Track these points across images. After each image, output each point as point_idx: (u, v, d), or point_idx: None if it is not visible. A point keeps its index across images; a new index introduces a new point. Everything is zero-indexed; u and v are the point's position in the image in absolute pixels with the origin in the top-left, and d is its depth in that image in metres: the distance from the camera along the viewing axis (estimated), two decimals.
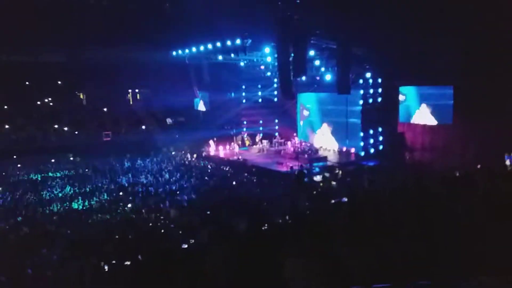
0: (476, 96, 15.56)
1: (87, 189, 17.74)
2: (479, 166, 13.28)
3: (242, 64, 24.45)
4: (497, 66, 14.12)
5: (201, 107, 27.83)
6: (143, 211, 14.27)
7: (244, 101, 26.60)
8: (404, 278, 2.90)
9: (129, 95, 34.21)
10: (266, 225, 4.87)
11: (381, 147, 19.85)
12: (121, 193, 16.83)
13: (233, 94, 26.31)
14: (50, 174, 21.45)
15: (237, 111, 26.70)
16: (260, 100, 26.86)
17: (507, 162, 14.56)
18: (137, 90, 34.10)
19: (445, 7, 15.09)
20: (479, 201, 3.70)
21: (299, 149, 21.71)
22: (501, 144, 14.59)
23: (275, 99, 26.50)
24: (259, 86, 26.36)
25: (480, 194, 3.73)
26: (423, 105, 18.92)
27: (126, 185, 18.23)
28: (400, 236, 3.67)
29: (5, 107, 28.48)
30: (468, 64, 15.13)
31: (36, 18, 22.61)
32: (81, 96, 32.91)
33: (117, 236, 11.28)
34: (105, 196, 16.48)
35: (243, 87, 26.29)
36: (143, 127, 30.07)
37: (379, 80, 19.54)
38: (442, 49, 15.58)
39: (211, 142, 25.19)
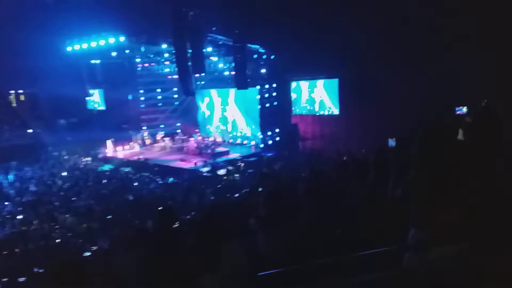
0: (358, 87, 17.33)
1: None
2: (363, 151, 14.92)
3: (138, 60, 23.61)
4: (376, 59, 15.83)
5: (95, 106, 26.19)
6: (35, 222, 13.08)
7: (142, 98, 25.69)
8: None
9: (11, 96, 30.48)
10: (176, 223, 4.95)
11: (277, 138, 20.95)
12: (6, 203, 15.18)
13: (131, 93, 25.22)
14: None
15: (136, 109, 25.71)
16: (159, 97, 26.21)
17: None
18: (21, 91, 30.53)
19: (331, 4, 16.49)
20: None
21: (202, 145, 21.86)
22: (383, 130, 16.44)
23: (175, 95, 26.13)
24: (158, 82, 25.71)
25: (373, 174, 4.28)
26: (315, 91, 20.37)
27: (14, 195, 16.44)
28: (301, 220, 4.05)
29: None
30: (350, 58, 16.76)
31: None
32: None
33: (5, 252, 10.23)
34: None
35: (141, 82, 25.38)
36: (30, 130, 27.21)
37: (273, 75, 20.52)
38: (328, 45, 16.94)
39: (108, 142, 23.92)
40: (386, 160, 4.09)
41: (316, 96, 20.39)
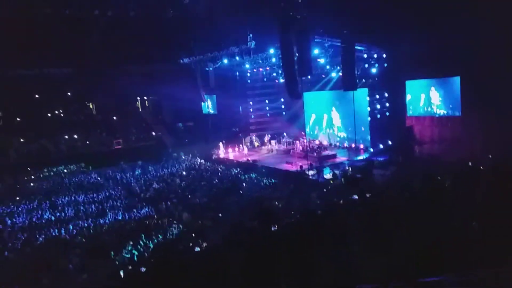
0: (483, 86, 15.44)
1: (100, 197, 17.95)
2: (490, 156, 13.22)
3: (247, 66, 24.62)
4: (504, 57, 13.99)
5: (209, 111, 28.02)
6: (156, 216, 14.44)
7: (251, 102, 26.77)
8: (415, 276, 2.90)
9: (138, 103, 34.67)
10: (276, 226, 4.93)
11: (390, 142, 19.74)
12: (134, 199, 17.04)
13: (240, 98, 26.48)
14: (63, 183, 21.71)
15: (245, 113, 26.85)
16: (267, 101, 26.97)
17: None
18: (145, 98, 34.58)
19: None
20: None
21: (308, 148, 21.70)
22: (509, 133, 14.44)
23: (282, 99, 26.58)
24: (266, 87, 26.46)
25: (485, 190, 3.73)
26: (433, 90, 18.72)
27: (139, 191, 18.41)
28: (410, 235, 3.68)
29: (18, 119, 29.00)
30: (475, 56, 15.03)
31: (45, 34, 23.12)
32: (91, 106, 33.37)
33: (131, 242, 11.44)
34: (118, 203, 16.67)
35: (250, 87, 26.45)
36: (153, 133, 30.38)
37: (385, 75, 19.43)
38: (448, 42, 15.47)
39: (220, 145, 25.31)
40: None
41: (434, 96, 18.70)
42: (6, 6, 21.75)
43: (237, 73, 25.51)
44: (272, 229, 4.38)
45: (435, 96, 18.70)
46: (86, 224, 14.12)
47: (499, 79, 14.47)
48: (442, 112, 18.47)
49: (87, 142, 28.24)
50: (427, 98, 18.98)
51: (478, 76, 15.61)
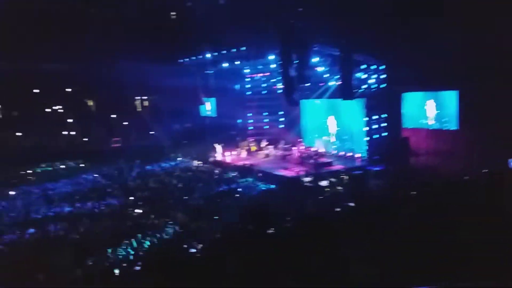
0: (481, 101, 15.67)
1: (96, 195, 18.05)
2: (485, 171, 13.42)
3: (247, 71, 24.86)
4: (501, 70, 14.23)
5: (208, 113, 28.19)
6: (152, 216, 14.56)
7: (249, 107, 26.96)
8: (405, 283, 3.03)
9: (137, 102, 34.83)
10: (272, 229, 5.09)
11: (385, 152, 19.95)
12: (130, 198, 17.15)
13: (239, 102, 26.68)
14: (60, 180, 21.78)
15: (243, 117, 27.05)
16: (265, 107, 27.19)
17: None
18: (145, 97, 34.76)
19: (449, 9, 15.28)
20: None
21: (305, 155, 21.91)
22: (505, 148, 14.67)
23: (280, 105, 26.81)
24: (265, 92, 26.68)
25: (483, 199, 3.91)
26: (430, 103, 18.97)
27: (135, 190, 18.53)
28: (405, 241, 3.84)
29: (15, 113, 29.04)
30: (473, 68, 15.26)
31: (45, 27, 23.24)
32: (90, 103, 33.46)
33: (126, 241, 11.57)
34: (115, 202, 16.78)
35: (249, 93, 26.65)
36: (151, 133, 30.50)
37: (382, 86, 19.70)
38: (446, 53, 15.70)
39: (217, 147, 25.47)
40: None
41: (430, 109, 18.96)
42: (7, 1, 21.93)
43: (237, 78, 25.69)
44: (268, 232, 4.56)
45: (432, 109, 18.96)
46: (81, 221, 14.22)
47: (498, 93, 14.70)
48: (438, 125, 18.72)
49: (86, 139, 28.32)
50: (424, 111, 19.24)
51: (477, 90, 15.81)
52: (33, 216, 15.28)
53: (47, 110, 30.26)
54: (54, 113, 30.74)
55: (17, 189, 19.60)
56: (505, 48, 13.94)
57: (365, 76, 19.51)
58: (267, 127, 27.30)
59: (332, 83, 21.71)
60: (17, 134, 28.22)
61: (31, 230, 13.25)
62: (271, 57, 19.24)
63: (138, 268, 8.66)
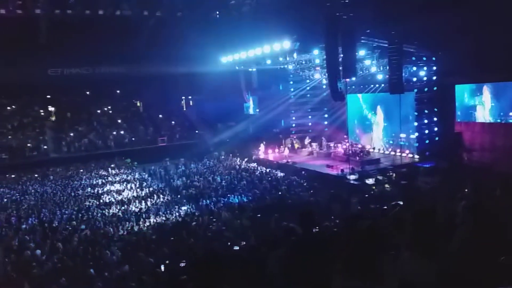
0: None
1: (144, 192, 18.53)
2: None
3: (290, 67, 24.49)
4: None
5: (251, 111, 28.20)
6: (197, 213, 14.70)
7: (293, 103, 26.60)
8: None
9: (182, 102, 35.64)
10: (317, 227, 4.88)
11: (437, 148, 18.91)
12: (176, 196, 17.46)
13: (282, 98, 26.41)
14: (109, 178, 22.61)
15: (286, 114, 26.75)
16: (309, 102, 26.71)
17: None
18: (190, 97, 35.50)
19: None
20: None
21: (350, 151, 21.25)
22: None
23: (325, 101, 26.23)
24: (308, 88, 26.21)
25: None
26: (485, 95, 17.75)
27: (181, 188, 18.84)
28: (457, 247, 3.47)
29: (68, 114, 30.60)
30: None
31: (97, 35, 24.37)
32: (138, 104, 34.65)
33: (172, 238, 11.72)
34: (161, 199, 17.13)
35: (292, 89, 26.30)
36: (196, 131, 31.03)
37: (434, 78, 18.66)
38: (502, 44, 14.57)
39: (261, 145, 25.39)
40: None
41: (486, 102, 17.72)
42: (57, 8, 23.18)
43: (280, 74, 25.43)
44: (313, 231, 4.33)
45: (487, 101, 17.71)
46: (129, 218, 14.63)
47: None
48: (494, 118, 17.45)
49: (134, 139, 29.29)
50: (479, 103, 18.01)
51: None
52: None
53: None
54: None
55: None
56: None
57: (415, 68, 18.60)
58: (311, 123, 26.83)
59: (379, 76, 20.87)
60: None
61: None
62: (316, 51, 18.78)
63: (182, 264, 8.68)
